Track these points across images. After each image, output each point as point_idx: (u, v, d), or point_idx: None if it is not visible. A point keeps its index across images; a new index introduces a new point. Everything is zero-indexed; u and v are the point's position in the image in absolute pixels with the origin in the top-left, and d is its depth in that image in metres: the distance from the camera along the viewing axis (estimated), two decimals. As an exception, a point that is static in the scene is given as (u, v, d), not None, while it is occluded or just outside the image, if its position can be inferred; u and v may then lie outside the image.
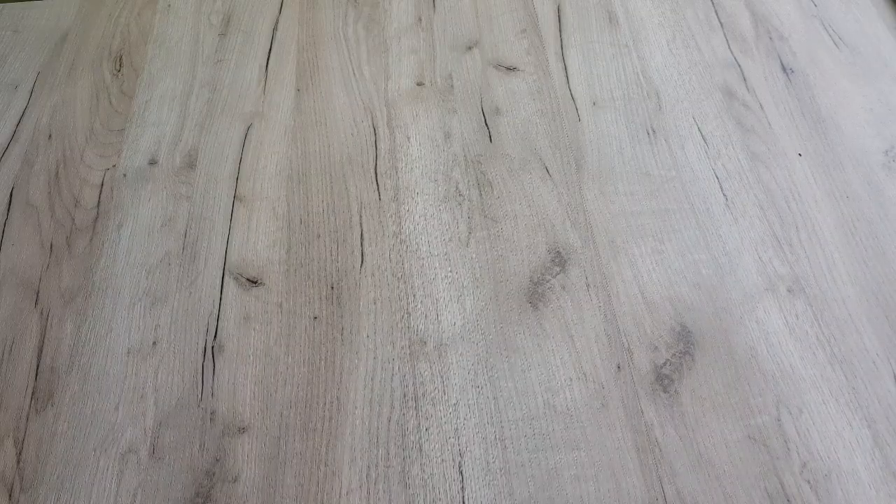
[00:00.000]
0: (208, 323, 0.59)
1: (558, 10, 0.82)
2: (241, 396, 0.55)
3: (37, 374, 0.56)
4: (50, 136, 0.72)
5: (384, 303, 0.60)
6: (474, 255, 0.62)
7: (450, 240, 0.63)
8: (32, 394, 0.56)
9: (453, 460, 0.52)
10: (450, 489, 0.51)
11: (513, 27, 0.80)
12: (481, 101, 0.74)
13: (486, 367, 0.56)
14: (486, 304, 0.59)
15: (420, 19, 0.81)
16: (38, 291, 0.61)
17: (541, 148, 0.69)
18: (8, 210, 0.67)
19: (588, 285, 0.60)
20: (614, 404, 0.54)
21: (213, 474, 0.52)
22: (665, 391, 0.55)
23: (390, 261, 0.62)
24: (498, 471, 0.52)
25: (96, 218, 0.66)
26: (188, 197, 0.67)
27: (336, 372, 0.56)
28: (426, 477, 0.51)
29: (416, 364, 0.57)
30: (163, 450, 0.53)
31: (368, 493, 0.51)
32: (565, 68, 0.76)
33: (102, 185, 0.68)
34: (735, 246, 0.62)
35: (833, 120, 0.71)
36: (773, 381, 0.55)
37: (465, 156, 0.67)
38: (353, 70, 0.76)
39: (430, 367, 0.56)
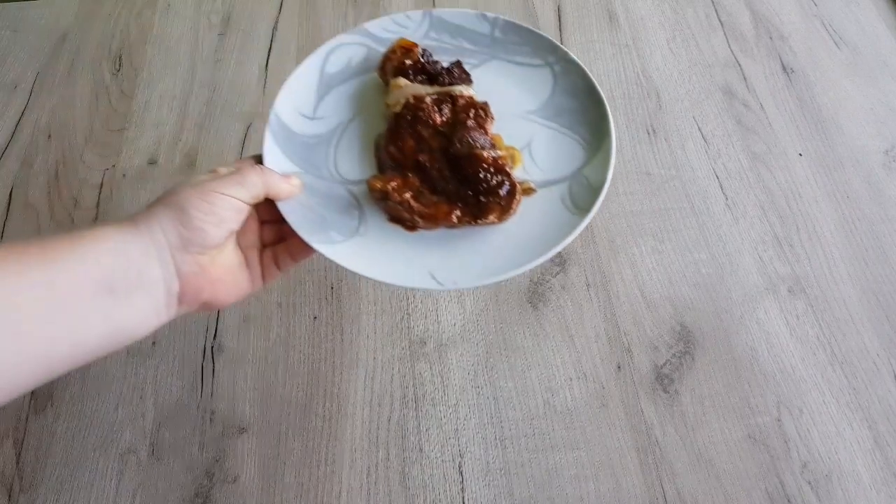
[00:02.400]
0: (208, 323, 0.59)
1: (558, 9, 0.82)
2: (240, 396, 0.55)
3: (36, 375, 0.56)
4: (49, 136, 0.72)
5: (384, 303, 0.60)
6: (474, 255, 0.62)
7: (450, 240, 0.63)
8: (32, 394, 0.56)
9: (453, 460, 0.52)
10: (450, 489, 0.51)
11: (513, 27, 0.80)
12: (481, 101, 0.73)
13: (486, 367, 0.56)
14: (486, 304, 0.59)
15: (420, 19, 0.81)
16: (38, 291, 0.61)
17: (541, 148, 0.69)
18: (7, 210, 0.67)
19: (588, 285, 0.60)
20: (614, 404, 0.54)
21: (213, 474, 0.52)
22: (665, 391, 0.55)
23: (390, 261, 0.62)
24: (498, 471, 0.51)
25: (95, 218, 0.66)
26: (188, 197, 0.67)
27: (336, 372, 0.56)
28: (426, 477, 0.51)
29: (416, 364, 0.56)
30: (162, 450, 0.53)
31: (368, 493, 0.51)
32: (565, 68, 0.76)
33: (102, 185, 0.68)
34: (735, 246, 0.62)
35: (833, 120, 0.71)
36: (773, 382, 0.55)
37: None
38: (352, 70, 0.76)
39: (430, 368, 0.56)
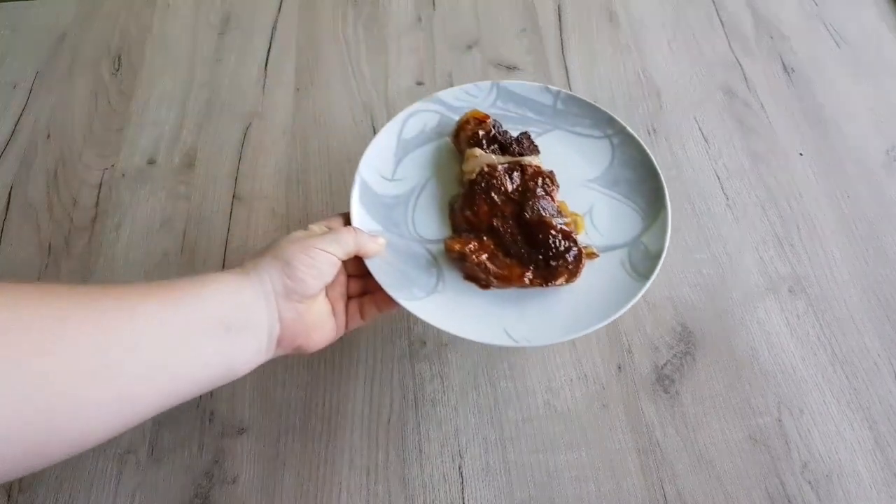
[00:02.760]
0: (207, 323, 0.59)
1: (558, 9, 0.82)
2: (240, 397, 0.55)
3: (35, 375, 0.56)
4: (48, 135, 0.72)
5: (384, 303, 0.59)
6: (474, 255, 0.62)
7: (450, 240, 0.63)
8: (31, 394, 0.55)
9: (453, 461, 0.52)
10: (450, 490, 0.51)
11: (513, 26, 0.80)
12: (481, 101, 0.73)
13: (486, 367, 0.56)
14: (486, 305, 0.59)
15: (420, 18, 0.81)
16: (37, 291, 0.61)
17: (541, 147, 0.69)
18: (6, 210, 0.67)
19: (588, 285, 0.60)
20: (615, 405, 0.54)
21: (212, 475, 0.52)
22: (666, 392, 0.54)
23: (390, 261, 0.62)
24: (498, 471, 0.51)
25: (95, 218, 0.66)
26: (187, 197, 0.67)
27: (335, 372, 0.56)
28: (426, 477, 0.51)
29: (415, 364, 0.56)
30: (161, 450, 0.53)
31: (368, 493, 0.51)
32: (566, 68, 0.76)
33: (101, 184, 0.68)
34: (736, 246, 0.62)
35: (834, 119, 0.71)
36: (774, 382, 0.55)
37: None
38: (352, 69, 0.76)
39: (430, 368, 0.56)
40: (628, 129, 0.55)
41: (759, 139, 0.69)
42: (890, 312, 0.58)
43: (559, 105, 0.57)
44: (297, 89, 0.75)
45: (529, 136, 0.54)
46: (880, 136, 0.69)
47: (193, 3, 0.84)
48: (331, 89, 0.75)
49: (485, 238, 0.49)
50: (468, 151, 0.53)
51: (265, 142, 0.71)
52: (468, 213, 0.50)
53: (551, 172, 0.52)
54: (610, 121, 0.56)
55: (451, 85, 0.75)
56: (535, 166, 0.52)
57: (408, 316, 0.59)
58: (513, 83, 0.58)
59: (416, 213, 0.53)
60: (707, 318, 0.58)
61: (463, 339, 0.56)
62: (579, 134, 0.56)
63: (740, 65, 0.76)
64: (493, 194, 0.50)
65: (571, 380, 0.55)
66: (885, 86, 0.73)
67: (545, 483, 0.51)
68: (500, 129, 0.54)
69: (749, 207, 0.65)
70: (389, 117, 0.72)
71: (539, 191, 0.50)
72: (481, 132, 0.53)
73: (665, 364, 0.56)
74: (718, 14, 0.81)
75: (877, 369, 0.55)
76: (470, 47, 0.78)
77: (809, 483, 0.50)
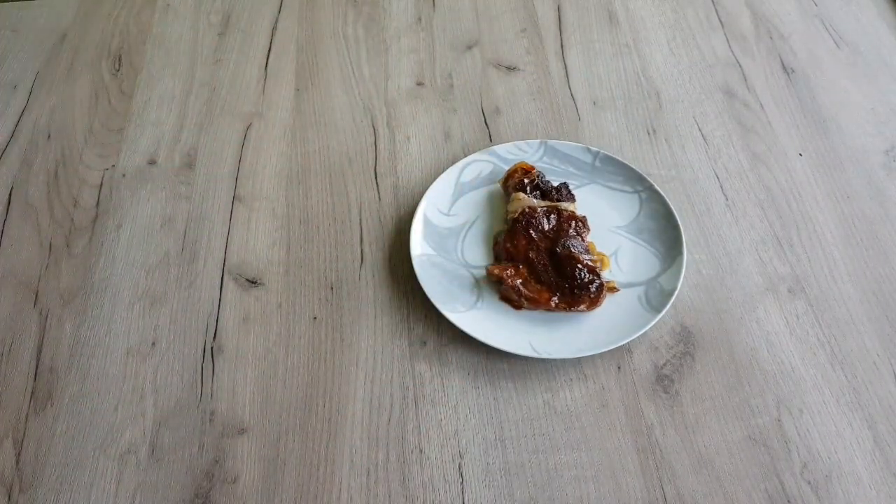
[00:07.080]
0: (207, 323, 0.59)
1: (558, 9, 0.82)
2: (240, 397, 0.55)
3: (36, 375, 0.56)
4: (49, 135, 0.72)
5: (384, 303, 0.60)
6: (474, 256, 0.62)
7: (450, 240, 0.63)
8: (31, 394, 0.56)
9: (453, 461, 0.52)
10: (450, 490, 0.51)
11: (513, 27, 0.80)
12: (481, 101, 0.74)
13: (485, 367, 0.56)
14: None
15: (420, 19, 0.81)
16: (38, 291, 0.61)
17: (541, 148, 0.69)
18: (7, 210, 0.67)
19: (588, 285, 0.60)
20: (614, 405, 0.54)
21: (213, 475, 0.52)
22: (665, 392, 0.55)
23: (390, 261, 0.62)
24: (498, 471, 0.51)
25: (95, 218, 0.66)
26: (187, 197, 0.67)
27: (335, 373, 0.56)
28: (426, 478, 0.51)
29: (415, 364, 0.56)
30: (162, 450, 0.53)
31: (368, 493, 0.51)
32: (565, 68, 0.76)
33: (101, 185, 0.68)
34: (735, 246, 0.62)
35: (834, 120, 0.71)
36: (773, 382, 0.55)
37: (464, 156, 0.67)
38: (352, 70, 0.76)
39: (430, 368, 0.56)
40: (656, 186, 0.62)
41: (759, 139, 0.70)
42: (889, 312, 0.58)
43: (597, 163, 0.65)
44: (297, 89, 0.75)
45: (567, 185, 0.62)
46: (880, 136, 0.70)
47: (193, 3, 0.84)
48: (331, 89, 0.75)
49: (521, 266, 0.57)
50: (514, 195, 0.60)
51: (265, 142, 0.71)
52: (509, 245, 0.58)
53: (584, 217, 0.60)
54: (640, 179, 0.63)
55: (452, 86, 0.75)
56: (570, 211, 0.60)
57: (408, 316, 0.59)
58: (558, 143, 0.66)
59: (465, 242, 0.61)
60: (706, 319, 0.58)
61: (463, 338, 0.56)
62: (612, 188, 0.64)
63: (740, 65, 0.76)
64: (531, 231, 0.58)
65: (571, 380, 0.55)
66: (884, 86, 0.73)
67: (545, 483, 0.51)
68: (543, 179, 0.61)
69: (748, 208, 0.65)
70: (389, 118, 0.73)
71: (571, 231, 0.58)
72: (526, 180, 0.61)
73: (664, 364, 0.56)
74: (718, 14, 0.81)
75: (876, 369, 0.55)
76: (470, 47, 0.78)
77: (809, 483, 0.50)
